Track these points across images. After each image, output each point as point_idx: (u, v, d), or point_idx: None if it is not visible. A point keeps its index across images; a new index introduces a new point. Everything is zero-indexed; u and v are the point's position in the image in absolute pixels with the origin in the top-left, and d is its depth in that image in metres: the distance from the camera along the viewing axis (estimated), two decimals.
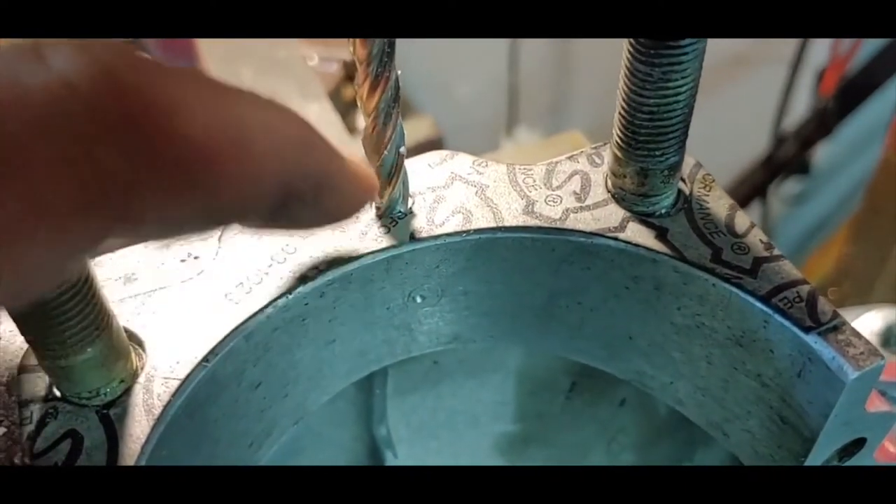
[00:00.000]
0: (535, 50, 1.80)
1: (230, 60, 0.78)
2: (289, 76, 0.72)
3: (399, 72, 0.32)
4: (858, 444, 0.35)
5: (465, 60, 1.81)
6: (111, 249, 0.23)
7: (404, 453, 0.50)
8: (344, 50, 1.19)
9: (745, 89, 1.78)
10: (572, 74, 1.91)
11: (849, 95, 1.58)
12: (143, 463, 0.30)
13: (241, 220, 0.27)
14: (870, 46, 1.55)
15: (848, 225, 1.49)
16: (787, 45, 1.56)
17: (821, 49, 1.57)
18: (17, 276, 0.20)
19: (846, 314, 0.56)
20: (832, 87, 1.58)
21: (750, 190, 1.71)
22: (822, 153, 1.81)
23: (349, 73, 1.12)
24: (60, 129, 0.20)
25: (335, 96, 1.02)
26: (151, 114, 0.22)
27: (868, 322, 0.58)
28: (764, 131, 1.67)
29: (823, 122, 1.60)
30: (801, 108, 1.69)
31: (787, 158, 1.69)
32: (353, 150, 0.33)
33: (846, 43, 1.53)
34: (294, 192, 0.27)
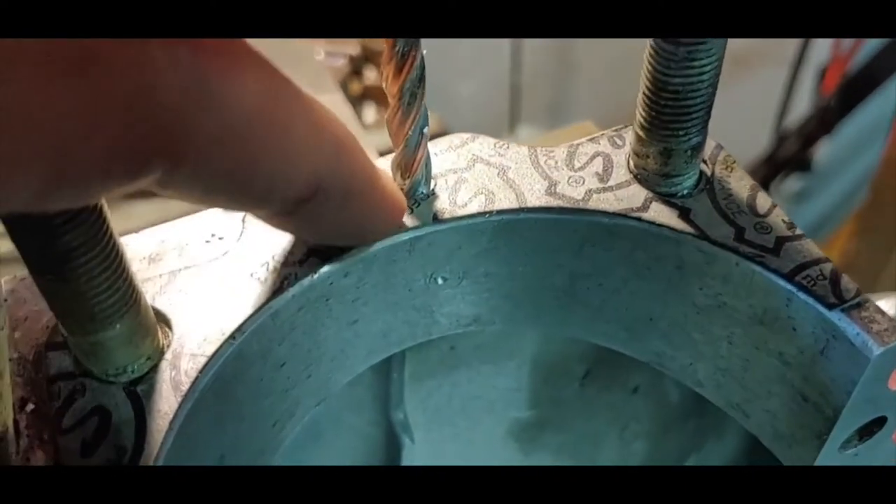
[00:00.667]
0: (537, 48, 1.81)
1: None
2: (299, 69, 0.72)
3: (425, 51, 0.32)
4: (879, 423, 0.35)
5: (467, 58, 1.82)
6: (142, 186, 0.23)
7: (420, 438, 0.50)
8: (350, 45, 1.19)
9: (747, 88, 1.78)
10: (574, 72, 1.92)
11: (850, 93, 1.59)
12: (171, 439, 0.30)
13: (267, 200, 0.28)
14: (870, 45, 1.56)
15: (852, 221, 1.49)
16: (789, 45, 1.57)
17: (822, 48, 1.58)
18: (61, 168, 0.21)
19: None
20: (833, 85, 1.59)
21: None
22: (824, 151, 1.81)
23: (355, 68, 1.12)
24: (133, 47, 0.21)
25: (342, 91, 1.02)
26: (217, 68, 0.23)
27: None
28: (766, 129, 1.68)
29: (825, 120, 1.61)
30: (802, 106, 1.70)
31: (788, 156, 1.70)
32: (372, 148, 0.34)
33: (847, 42, 1.54)
34: (323, 188, 0.28)
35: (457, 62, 1.78)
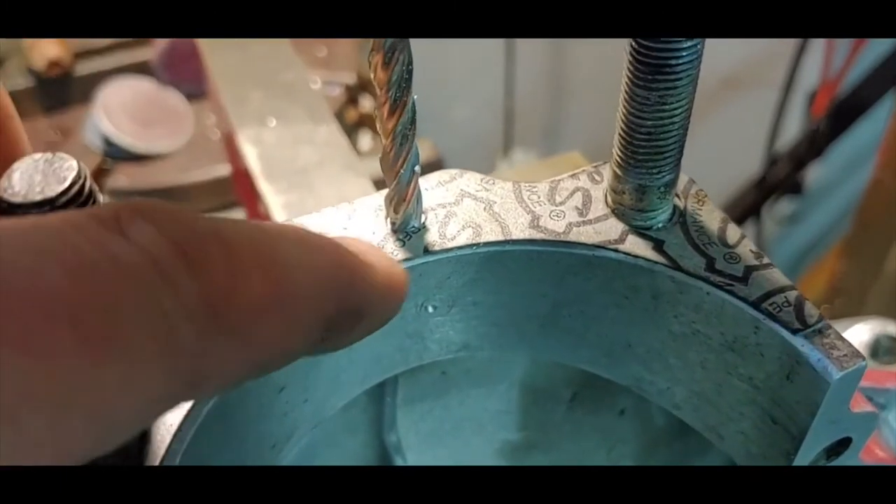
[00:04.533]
0: (530, 73, 1.83)
1: (239, 84, 0.80)
2: (297, 99, 0.75)
3: (416, 97, 0.34)
4: (844, 443, 0.37)
5: (461, 84, 1.84)
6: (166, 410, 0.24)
7: (413, 459, 0.52)
8: (346, 74, 1.22)
9: (738, 111, 1.81)
10: (567, 97, 1.95)
11: (840, 117, 1.61)
12: (178, 458, 0.32)
13: (287, 359, 0.27)
14: (859, 69, 1.58)
15: (839, 243, 1.51)
16: (780, 68, 1.59)
17: (812, 71, 1.60)
18: (92, 413, 0.21)
19: (837, 326, 0.59)
20: (823, 108, 1.61)
21: (744, 210, 1.73)
22: (815, 173, 1.84)
23: (352, 97, 1.15)
24: (141, 290, 0.22)
25: (338, 119, 1.05)
26: (214, 280, 0.23)
27: (857, 333, 0.60)
28: (757, 152, 1.70)
29: (815, 142, 1.63)
30: (793, 129, 1.72)
31: (779, 179, 1.72)
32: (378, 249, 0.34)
33: (837, 65, 1.56)
34: (334, 326, 0.27)
35: (450, 88, 1.80)
